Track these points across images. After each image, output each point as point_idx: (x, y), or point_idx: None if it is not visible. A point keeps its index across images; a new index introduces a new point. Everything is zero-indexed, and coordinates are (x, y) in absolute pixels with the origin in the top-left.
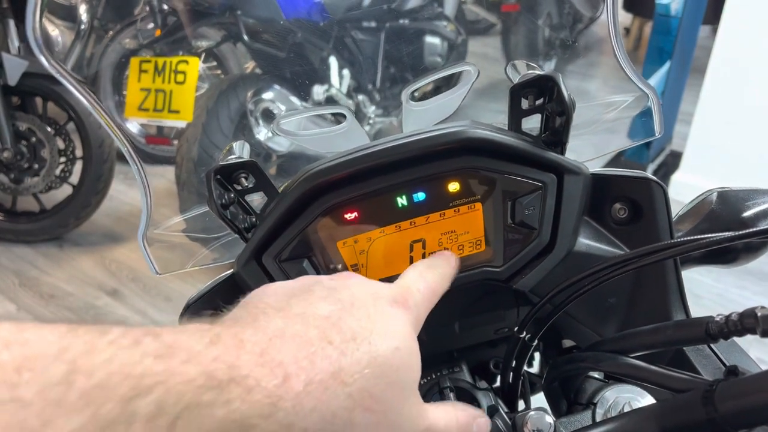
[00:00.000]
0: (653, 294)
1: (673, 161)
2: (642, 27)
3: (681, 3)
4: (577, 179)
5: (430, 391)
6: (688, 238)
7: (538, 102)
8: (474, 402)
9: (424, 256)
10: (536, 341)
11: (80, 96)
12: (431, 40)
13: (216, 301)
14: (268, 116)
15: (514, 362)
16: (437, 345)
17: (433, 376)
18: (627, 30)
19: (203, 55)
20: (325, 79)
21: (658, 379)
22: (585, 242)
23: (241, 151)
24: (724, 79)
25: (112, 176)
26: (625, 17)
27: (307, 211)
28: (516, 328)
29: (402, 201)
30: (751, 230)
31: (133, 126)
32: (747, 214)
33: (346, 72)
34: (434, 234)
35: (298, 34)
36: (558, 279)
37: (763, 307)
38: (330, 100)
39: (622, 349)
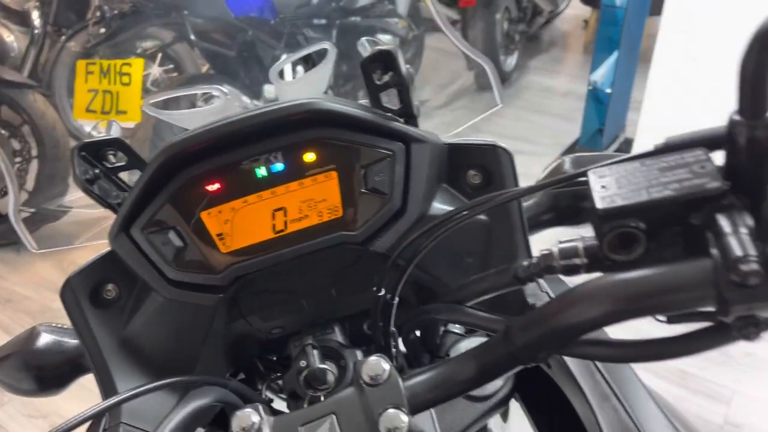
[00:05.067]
0: (503, 253)
1: (627, 149)
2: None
3: None
4: (423, 147)
5: (300, 353)
6: (511, 189)
7: (386, 77)
8: (341, 360)
9: (285, 224)
10: (397, 299)
11: None
12: (382, 37)
13: (97, 276)
14: None
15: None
16: (318, 313)
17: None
18: (586, 22)
19: (159, 57)
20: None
21: (476, 321)
22: (441, 207)
23: (109, 130)
24: (669, 65)
25: (68, 179)
26: (584, 10)
27: (171, 183)
28: (374, 288)
29: (261, 171)
30: (558, 177)
31: (88, 127)
32: None
33: (299, 69)
34: (294, 202)
35: (249, 32)
36: (417, 242)
37: (560, 242)
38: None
39: (460, 299)
